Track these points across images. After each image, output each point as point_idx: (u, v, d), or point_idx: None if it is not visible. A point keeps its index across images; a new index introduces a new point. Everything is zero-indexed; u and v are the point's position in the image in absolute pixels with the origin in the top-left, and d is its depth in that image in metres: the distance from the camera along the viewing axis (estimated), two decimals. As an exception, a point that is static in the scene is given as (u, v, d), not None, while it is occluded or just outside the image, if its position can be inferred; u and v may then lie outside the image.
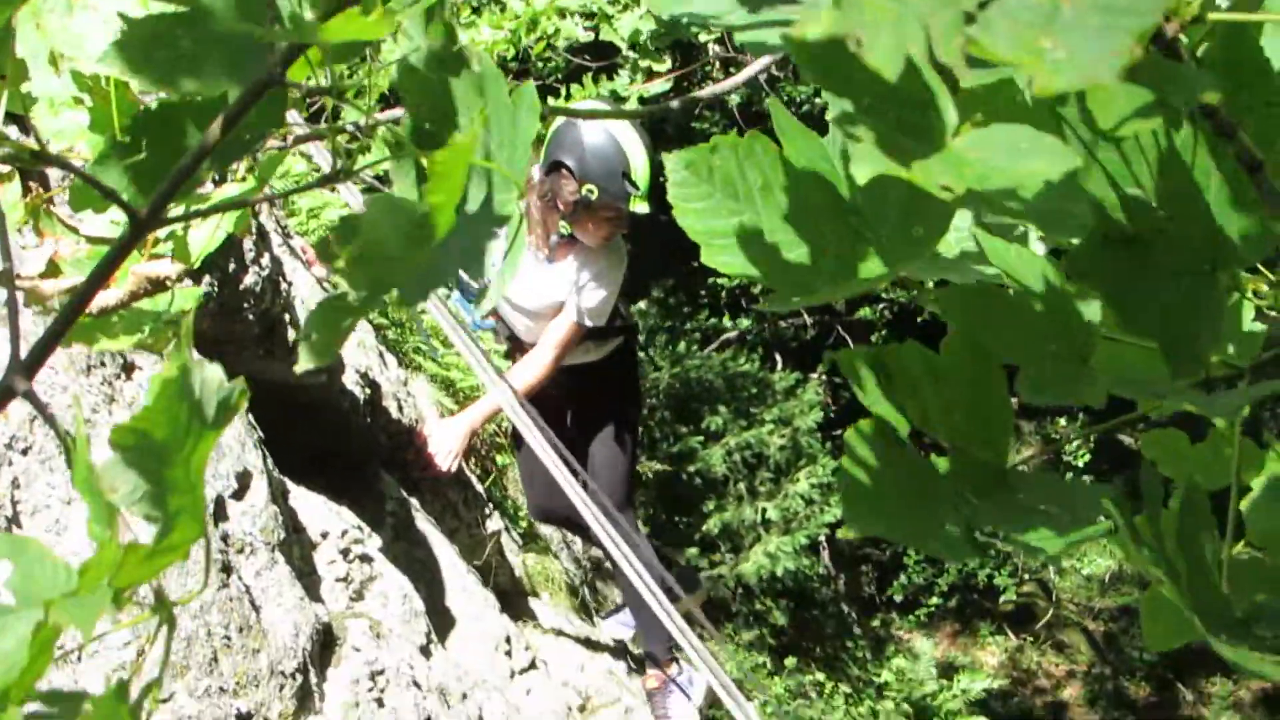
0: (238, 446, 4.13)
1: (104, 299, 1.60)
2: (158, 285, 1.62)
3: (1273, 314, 1.11)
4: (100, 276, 1.07)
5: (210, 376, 0.96)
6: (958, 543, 0.98)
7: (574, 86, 8.42)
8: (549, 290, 6.05)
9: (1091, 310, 0.99)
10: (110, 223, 1.70)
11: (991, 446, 1.01)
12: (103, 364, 3.76)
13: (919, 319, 15.61)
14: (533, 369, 6.04)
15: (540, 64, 9.33)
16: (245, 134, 1.22)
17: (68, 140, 1.63)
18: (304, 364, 1.07)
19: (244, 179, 1.74)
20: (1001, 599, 16.75)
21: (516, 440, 6.78)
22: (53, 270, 1.67)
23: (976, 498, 0.99)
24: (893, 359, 1.01)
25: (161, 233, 1.68)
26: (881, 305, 15.95)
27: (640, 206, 5.77)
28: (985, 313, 1.00)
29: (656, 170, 5.70)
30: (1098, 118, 0.90)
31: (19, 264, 1.62)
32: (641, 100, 10.12)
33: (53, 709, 0.94)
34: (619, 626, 7.16)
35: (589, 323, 6.04)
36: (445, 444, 6.01)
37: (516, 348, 6.45)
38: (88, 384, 3.68)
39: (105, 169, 1.23)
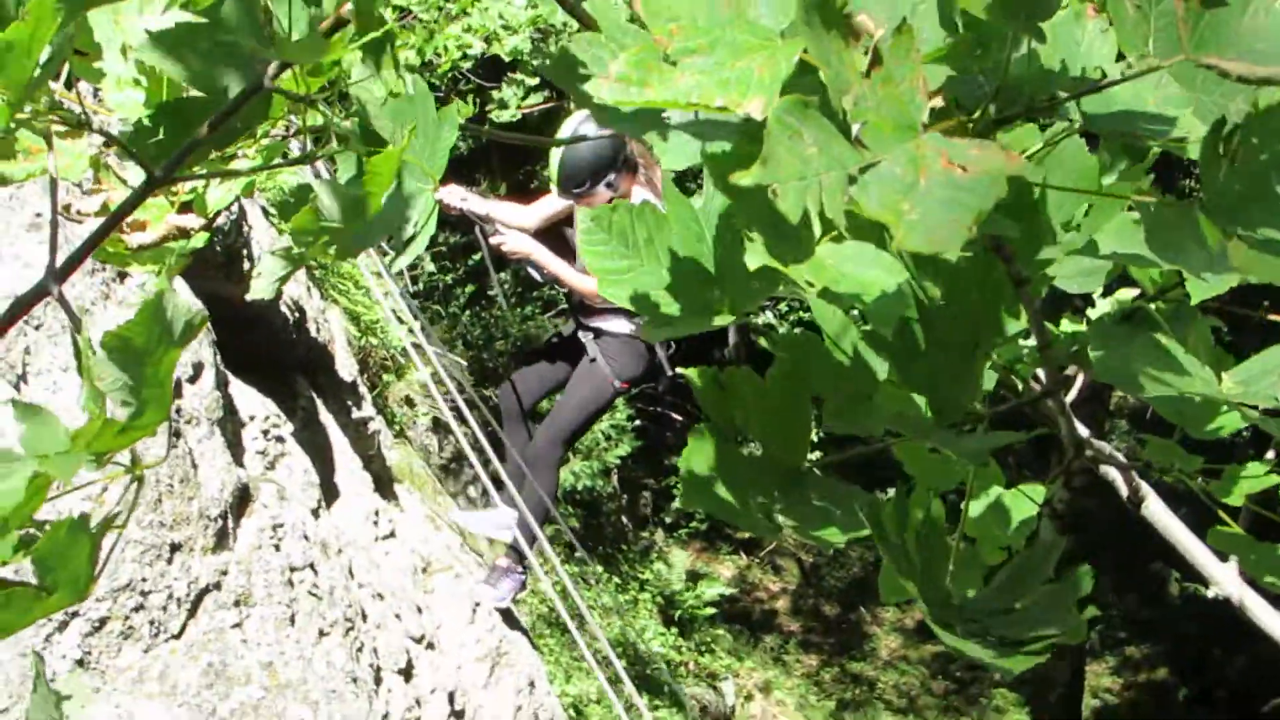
0: (195, 344, 4.16)
1: (142, 238, 1.65)
2: (183, 232, 1.67)
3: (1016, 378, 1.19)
4: (123, 213, 1.11)
5: (181, 303, 0.98)
6: (763, 524, 1.03)
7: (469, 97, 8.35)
8: None
9: (879, 365, 1.02)
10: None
11: (793, 453, 1.04)
12: (104, 269, 3.76)
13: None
14: (582, 281, 5.84)
15: (438, 78, 8.97)
16: (238, 123, 1.26)
17: (126, 112, 1.67)
18: (253, 294, 1.13)
19: (254, 157, 1.79)
20: (742, 530, 16.91)
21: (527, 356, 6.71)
22: (104, 212, 1.71)
23: (779, 491, 1.02)
24: (730, 378, 1.04)
25: (186, 194, 1.73)
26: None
27: (552, 187, 5.70)
28: (806, 353, 1.03)
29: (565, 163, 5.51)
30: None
31: (80, 203, 1.66)
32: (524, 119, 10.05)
33: (41, 533, 0.95)
34: (493, 528, 6.47)
35: None
36: (518, 242, 5.85)
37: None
38: (91, 282, 3.69)
39: (136, 140, 1.24)
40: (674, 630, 13.55)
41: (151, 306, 0.96)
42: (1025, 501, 1.22)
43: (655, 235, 0.96)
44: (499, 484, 6.38)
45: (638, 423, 14.25)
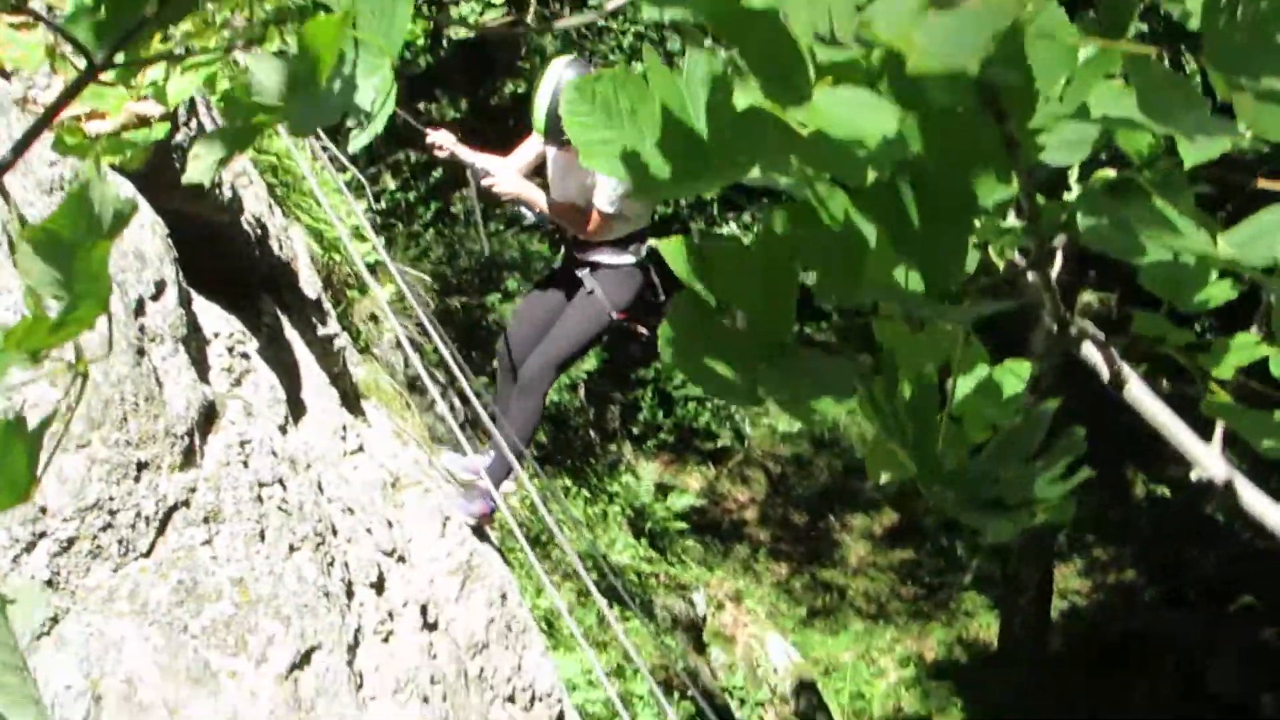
0: (158, 261, 4.10)
1: (101, 127, 1.61)
2: (143, 121, 1.63)
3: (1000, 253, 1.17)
4: (67, 98, 1.07)
5: (109, 192, 0.94)
6: (751, 395, 1.01)
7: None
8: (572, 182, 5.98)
9: (869, 233, 1.00)
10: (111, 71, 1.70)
11: (778, 324, 1.03)
12: (63, 188, 3.70)
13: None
14: (567, 215, 6.04)
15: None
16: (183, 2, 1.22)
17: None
18: (189, 179, 1.08)
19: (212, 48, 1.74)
20: (710, 441, 17.02)
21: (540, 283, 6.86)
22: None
23: (765, 365, 1.01)
24: (712, 249, 1.02)
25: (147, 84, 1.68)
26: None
27: (535, 135, 6.01)
28: (793, 223, 1.01)
29: (553, 111, 5.64)
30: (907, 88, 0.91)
31: (40, 93, 1.61)
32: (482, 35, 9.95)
33: None
34: (460, 468, 6.65)
35: (607, 209, 5.87)
36: (508, 183, 6.10)
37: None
38: (50, 201, 3.63)
39: (77, 25, 1.21)
40: (644, 542, 13.63)
41: (77, 197, 0.93)
42: (1012, 378, 1.21)
43: (639, 105, 0.94)
44: (464, 400, 6.42)
45: (605, 337, 14.27)
